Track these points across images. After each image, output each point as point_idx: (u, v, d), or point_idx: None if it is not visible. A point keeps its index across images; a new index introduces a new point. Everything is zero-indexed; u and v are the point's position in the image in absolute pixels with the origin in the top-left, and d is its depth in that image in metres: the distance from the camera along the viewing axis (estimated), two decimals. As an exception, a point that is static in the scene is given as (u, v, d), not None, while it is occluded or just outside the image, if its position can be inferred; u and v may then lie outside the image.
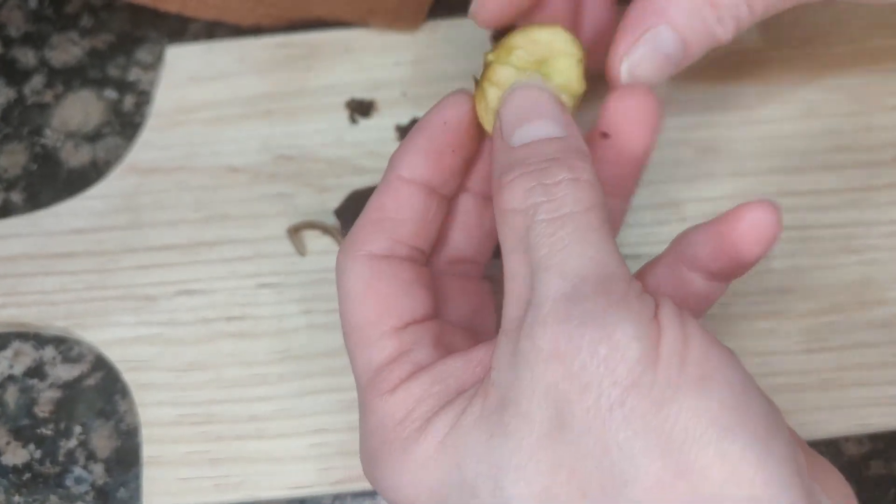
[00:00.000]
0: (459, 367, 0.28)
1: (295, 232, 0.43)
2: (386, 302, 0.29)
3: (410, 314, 0.30)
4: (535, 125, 0.29)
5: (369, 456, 0.28)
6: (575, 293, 0.25)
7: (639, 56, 0.32)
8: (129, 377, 0.40)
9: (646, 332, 0.24)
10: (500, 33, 0.34)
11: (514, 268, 0.27)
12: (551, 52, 0.31)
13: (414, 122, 0.44)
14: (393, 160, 0.31)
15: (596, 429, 0.23)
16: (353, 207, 0.42)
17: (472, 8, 0.34)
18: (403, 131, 0.44)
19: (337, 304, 0.40)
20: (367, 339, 0.29)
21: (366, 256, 0.30)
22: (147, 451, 0.39)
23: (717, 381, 0.24)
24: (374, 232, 0.30)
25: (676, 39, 0.32)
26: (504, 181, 0.27)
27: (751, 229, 0.29)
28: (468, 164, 0.33)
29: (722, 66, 0.45)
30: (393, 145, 0.44)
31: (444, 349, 0.30)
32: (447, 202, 0.32)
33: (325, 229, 0.42)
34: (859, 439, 0.40)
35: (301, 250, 0.42)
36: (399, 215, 0.31)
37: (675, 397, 0.23)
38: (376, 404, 0.28)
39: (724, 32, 0.32)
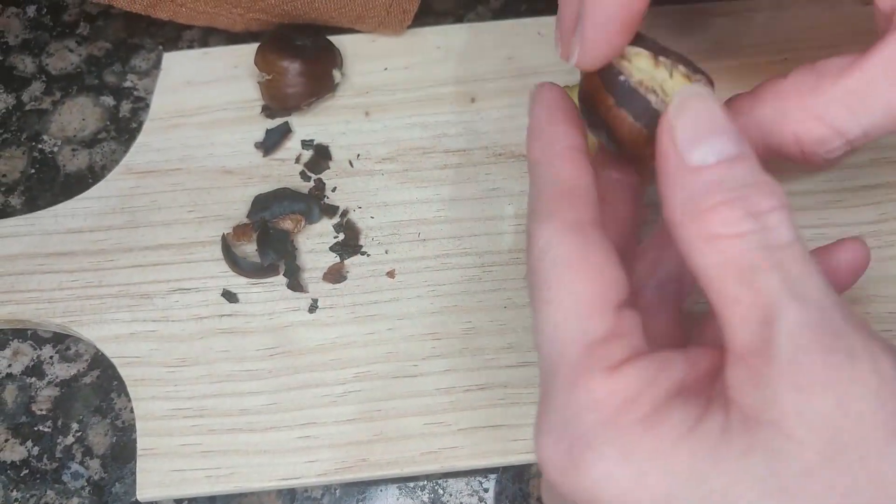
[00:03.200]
0: (680, 364, 0.27)
1: (235, 237, 0.43)
2: (604, 274, 0.28)
3: (625, 291, 0.28)
4: (717, 143, 0.27)
5: (572, 436, 0.26)
6: (827, 323, 0.24)
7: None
8: (124, 372, 0.41)
9: (894, 364, 0.24)
10: None
11: (732, 293, 0.25)
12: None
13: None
14: (542, 134, 0.31)
15: (873, 459, 0.23)
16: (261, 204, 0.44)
17: (571, 61, 0.32)
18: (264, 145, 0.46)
19: (331, 300, 0.42)
20: (587, 311, 0.27)
21: (575, 224, 0.28)
22: (141, 443, 0.39)
23: None
24: (572, 202, 0.29)
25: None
26: (704, 206, 0.26)
27: (846, 260, 0.32)
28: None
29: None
30: (380, 149, 0.45)
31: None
32: None
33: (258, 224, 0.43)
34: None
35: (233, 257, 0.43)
36: (581, 184, 0.30)
37: None
38: (595, 380, 0.26)
39: (805, 165, 0.33)
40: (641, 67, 0.31)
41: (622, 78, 0.31)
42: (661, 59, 0.31)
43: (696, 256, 0.26)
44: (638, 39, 0.32)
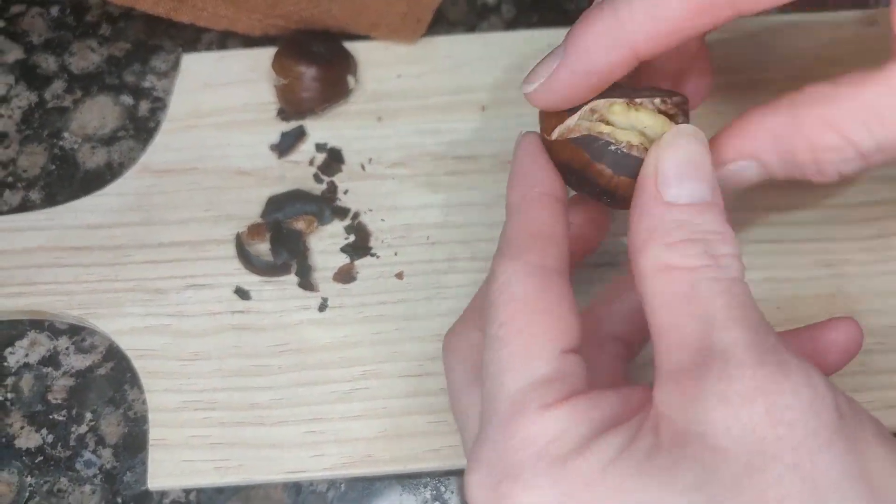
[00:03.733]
0: (613, 400, 0.27)
1: (249, 236, 0.45)
2: (556, 320, 0.28)
3: (576, 339, 0.29)
4: (695, 186, 0.29)
5: (502, 470, 0.26)
6: (762, 343, 0.25)
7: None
8: (138, 364, 0.42)
9: (827, 383, 0.25)
10: None
11: (673, 320, 0.27)
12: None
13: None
14: (524, 179, 0.32)
15: (804, 467, 0.23)
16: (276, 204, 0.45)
17: (529, 89, 0.33)
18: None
19: (340, 300, 0.43)
20: (532, 352, 0.28)
21: (539, 267, 0.29)
22: (153, 434, 0.40)
23: (879, 428, 0.26)
24: (540, 247, 0.30)
25: (762, 174, 0.34)
26: (668, 241, 0.28)
27: (838, 342, 0.32)
28: None
29: (718, 91, 0.46)
30: (391, 153, 0.46)
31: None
32: None
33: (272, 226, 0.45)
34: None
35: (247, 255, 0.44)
36: (554, 231, 0.31)
37: (863, 443, 0.24)
38: (529, 418, 0.27)
39: (821, 180, 0.33)
40: (616, 123, 0.31)
41: (613, 148, 0.31)
42: (637, 101, 0.31)
43: (648, 284, 0.28)
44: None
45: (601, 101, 0.32)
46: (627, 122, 0.31)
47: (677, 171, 0.29)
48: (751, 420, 0.24)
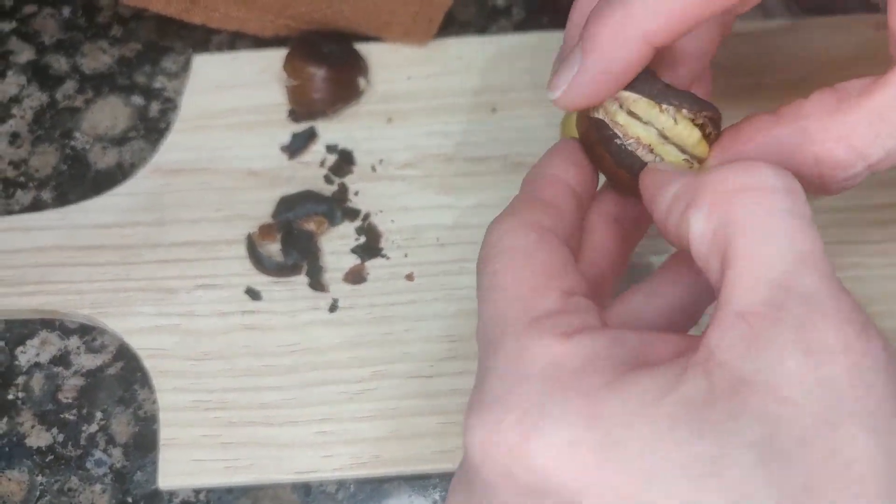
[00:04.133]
0: (641, 340, 0.25)
1: (259, 237, 0.45)
2: (552, 268, 0.27)
3: (579, 286, 0.27)
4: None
5: (523, 406, 0.23)
6: (846, 298, 0.24)
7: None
8: (148, 364, 0.42)
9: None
10: None
11: (751, 250, 0.24)
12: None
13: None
14: (539, 165, 0.33)
15: (880, 430, 0.21)
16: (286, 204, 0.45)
17: (555, 95, 0.32)
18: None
19: (350, 301, 0.43)
20: (536, 290, 0.26)
21: (534, 224, 0.29)
22: (164, 433, 0.40)
23: None
24: (538, 208, 0.30)
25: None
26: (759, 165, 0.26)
27: None
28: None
29: (724, 94, 0.46)
30: (402, 155, 0.47)
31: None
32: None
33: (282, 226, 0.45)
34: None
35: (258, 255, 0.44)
36: (558, 203, 0.30)
37: None
38: (547, 342, 0.24)
39: (821, 194, 0.32)
40: (639, 116, 0.31)
41: (618, 142, 0.31)
42: (664, 106, 0.31)
43: (729, 203, 0.25)
44: (639, 77, 0.32)
45: (628, 94, 0.32)
46: (648, 118, 0.31)
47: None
48: (832, 374, 0.22)
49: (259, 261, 0.44)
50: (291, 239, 0.44)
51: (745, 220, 0.24)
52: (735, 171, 0.26)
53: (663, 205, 0.28)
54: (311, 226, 0.44)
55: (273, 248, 0.44)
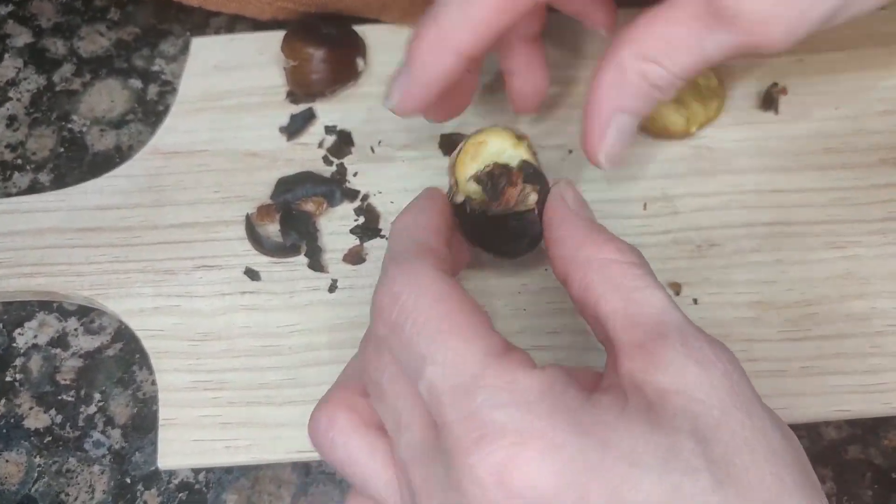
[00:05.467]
0: (575, 375, 0.29)
1: (258, 217, 0.45)
2: (476, 310, 0.29)
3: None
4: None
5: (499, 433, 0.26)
6: (693, 325, 0.30)
7: (610, 145, 0.37)
8: (147, 345, 0.42)
9: None
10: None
11: (626, 303, 0.30)
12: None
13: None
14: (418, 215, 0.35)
15: (756, 411, 0.28)
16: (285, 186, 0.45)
17: (390, 105, 0.38)
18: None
19: (350, 281, 0.43)
20: (479, 331, 0.28)
21: (435, 268, 0.30)
22: (163, 414, 0.40)
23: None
24: (432, 256, 0.32)
25: (633, 119, 0.37)
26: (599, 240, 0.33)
27: None
28: None
29: (717, 71, 0.46)
30: (400, 136, 0.47)
31: None
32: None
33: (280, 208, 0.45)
34: (838, 425, 0.41)
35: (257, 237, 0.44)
36: (435, 244, 0.33)
37: None
38: (519, 372, 0.27)
39: (667, 96, 0.37)
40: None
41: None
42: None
43: (595, 274, 0.31)
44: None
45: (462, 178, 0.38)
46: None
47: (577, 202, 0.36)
48: (716, 378, 0.28)
49: (258, 241, 0.43)
50: (290, 220, 0.44)
51: (610, 285, 0.31)
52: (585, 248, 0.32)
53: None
54: (309, 206, 0.44)
55: (272, 229, 0.44)
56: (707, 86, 0.45)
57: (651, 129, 0.45)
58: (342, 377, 0.34)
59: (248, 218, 0.44)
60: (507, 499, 0.25)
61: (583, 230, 0.33)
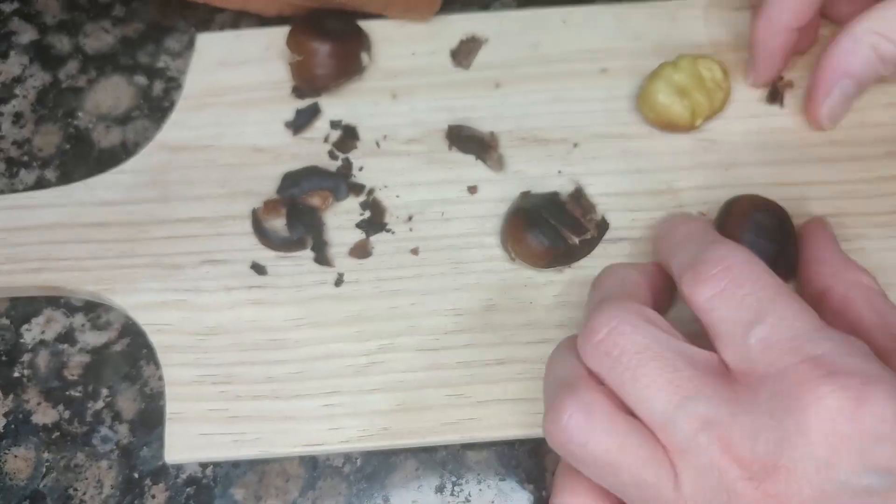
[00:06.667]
0: None
1: (265, 212, 0.45)
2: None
3: None
4: None
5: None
6: None
7: (832, 105, 0.44)
8: (154, 339, 0.42)
9: None
10: None
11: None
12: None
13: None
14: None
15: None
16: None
17: (750, 79, 0.47)
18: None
19: (356, 275, 0.43)
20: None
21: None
22: (170, 408, 0.40)
23: None
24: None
25: (856, 87, 0.43)
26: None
27: None
28: None
29: (722, 64, 0.46)
30: (406, 130, 0.47)
31: None
32: None
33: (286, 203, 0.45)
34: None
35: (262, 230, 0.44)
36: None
37: None
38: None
39: (888, 72, 0.43)
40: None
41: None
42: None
43: (855, 293, 0.37)
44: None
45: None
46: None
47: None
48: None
49: (264, 236, 0.44)
50: (296, 214, 0.44)
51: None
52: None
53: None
54: (315, 201, 0.44)
55: (278, 224, 0.44)
56: (712, 78, 0.45)
57: (656, 122, 0.45)
58: (556, 379, 0.34)
59: (254, 212, 0.44)
60: (857, 432, 0.27)
61: (842, 256, 0.39)
